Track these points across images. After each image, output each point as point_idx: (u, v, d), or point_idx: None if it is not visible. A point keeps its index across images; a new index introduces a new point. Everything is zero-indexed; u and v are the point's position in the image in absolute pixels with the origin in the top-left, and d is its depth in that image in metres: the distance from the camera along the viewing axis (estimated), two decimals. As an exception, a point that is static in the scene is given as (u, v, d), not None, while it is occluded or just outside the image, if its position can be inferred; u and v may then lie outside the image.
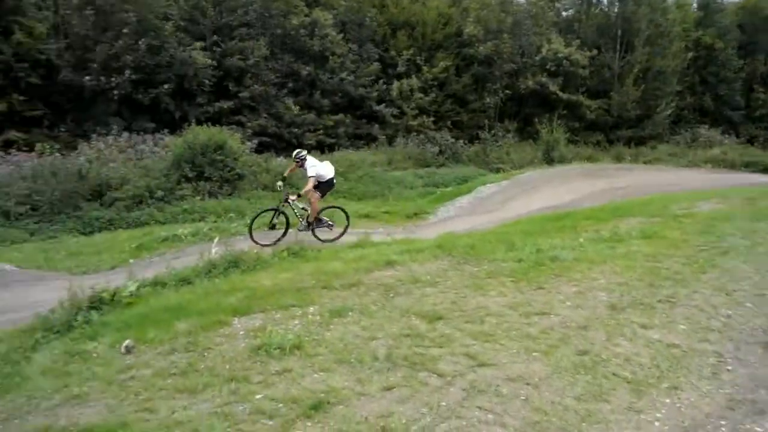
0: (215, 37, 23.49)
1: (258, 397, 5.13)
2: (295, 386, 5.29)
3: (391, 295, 7.66)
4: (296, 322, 6.84)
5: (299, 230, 11.76)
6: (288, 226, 11.76)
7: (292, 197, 11.39)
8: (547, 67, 29.01)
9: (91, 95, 21.02)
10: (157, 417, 4.90)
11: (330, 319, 6.83)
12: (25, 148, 18.25)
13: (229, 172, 17.41)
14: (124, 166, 17.16)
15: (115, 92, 20.70)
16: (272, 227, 11.83)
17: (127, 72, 20.62)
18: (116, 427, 4.70)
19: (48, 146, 17.24)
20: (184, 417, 4.84)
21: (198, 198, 16.40)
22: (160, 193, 16.23)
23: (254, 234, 11.53)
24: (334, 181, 12.21)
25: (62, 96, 21.35)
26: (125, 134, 19.28)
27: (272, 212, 11.89)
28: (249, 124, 22.66)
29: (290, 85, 24.71)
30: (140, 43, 20.91)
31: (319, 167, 11.65)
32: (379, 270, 8.76)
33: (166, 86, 21.26)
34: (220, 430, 4.60)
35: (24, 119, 20.30)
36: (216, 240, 11.14)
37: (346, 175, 20.41)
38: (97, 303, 7.54)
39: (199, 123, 19.75)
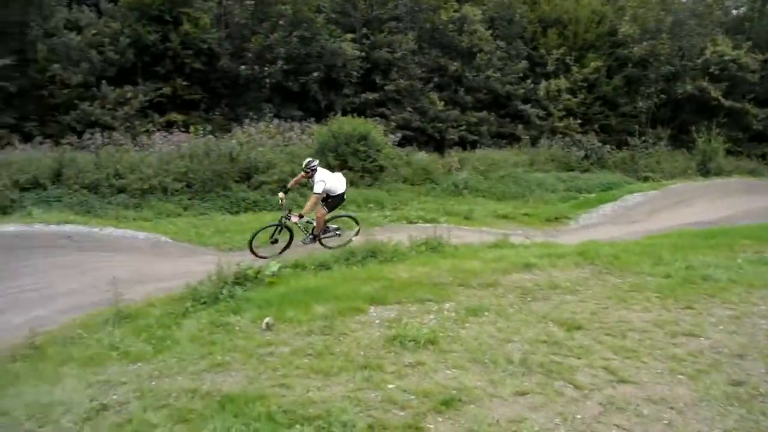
0: (365, 30, 23.87)
1: (390, 386, 5.11)
2: (428, 380, 5.23)
3: (529, 298, 7.45)
4: (431, 316, 6.79)
5: (304, 243, 10.92)
6: (291, 239, 10.99)
7: (294, 218, 10.48)
8: (710, 70, 26.85)
9: (245, 82, 22.09)
10: (292, 394, 4.99)
11: (466, 317, 6.73)
12: (183, 129, 19.54)
13: (371, 162, 17.66)
14: (271, 151, 17.82)
15: (268, 81, 21.61)
16: (274, 242, 10.95)
17: (280, 62, 21.44)
18: (255, 398, 4.84)
19: (202, 128, 18.35)
20: (317, 397, 4.91)
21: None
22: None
23: (255, 248, 10.70)
24: (345, 196, 11.22)
25: (219, 82, 22.63)
26: (275, 121, 20.03)
27: (274, 228, 10.99)
28: (393, 117, 22.83)
29: (436, 79, 24.68)
30: (293, 35, 21.65)
31: (328, 181, 10.68)
32: (517, 272, 8.57)
33: (315, 74, 21.88)
34: (352, 415, 4.60)
35: (184, 102, 21.83)
36: (356, 229, 11.24)
37: (487, 174, 20.18)
38: (241, 279, 7.89)
39: (344, 113, 20.26)
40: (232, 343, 6.20)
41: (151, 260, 10.35)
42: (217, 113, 22.07)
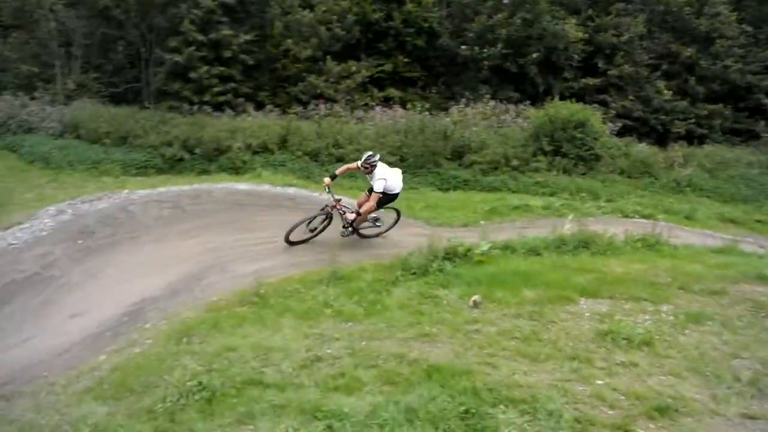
0: (590, 11, 22.77)
1: (599, 382, 4.99)
2: (640, 382, 5.03)
3: (762, 314, 6.78)
4: (647, 317, 6.48)
5: (343, 235, 9.96)
6: (328, 225, 10.00)
7: (351, 216, 9.49)
8: None
9: (463, 61, 22.14)
10: (498, 374, 5.04)
11: (685, 323, 6.32)
12: (400, 105, 20.15)
13: (586, 151, 16.87)
14: (485, 131, 17.75)
15: (486, 62, 21.47)
16: (312, 230, 9.91)
17: (499, 45, 21.14)
18: (461, 372, 4.96)
19: (419, 105, 18.77)
20: (523, 381, 4.92)
21: (552, 173, 16.27)
22: (515, 162, 16.44)
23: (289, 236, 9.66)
24: (399, 195, 9.98)
25: (438, 60, 22.98)
26: (491, 102, 19.86)
27: (315, 216, 9.91)
28: (613, 104, 21.52)
29: (664, 67, 22.79)
30: (516, 17, 21.23)
31: (389, 179, 9.49)
32: (747, 283, 7.86)
33: (534, 56, 21.35)
34: (558, 405, 4.56)
35: (403, 79, 22.51)
36: (570, 217, 10.82)
37: (715, 172, 18.38)
38: (451, 255, 8.05)
39: (562, 98, 19.53)
40: (439, 316, 6.38)
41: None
42: (434, 91, 22.45)
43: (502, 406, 4.53)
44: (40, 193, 12.41)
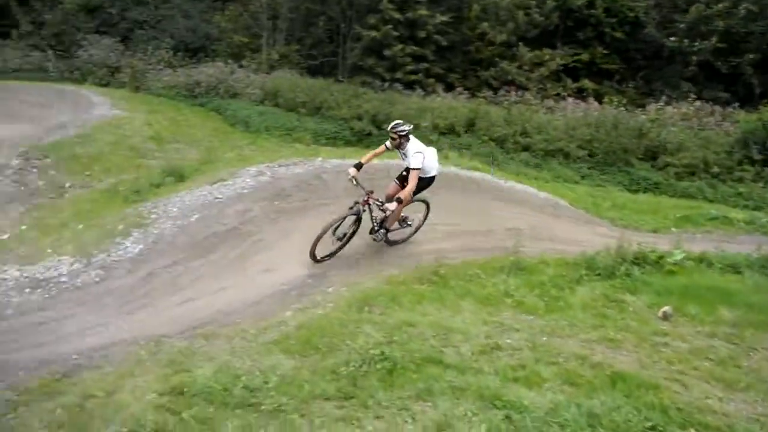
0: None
1: None
2: None
3: None
4: None
5: (376, 240, 8.18)
6: (356, 231, 8.03)
7: (390, 205, 7.46)
8: None
9: (668, 56, 20.79)
10: (689, 395, 4.73)
11: None
12: (593, 98, 19.32)
13: (808, 164, 15.15)
14: (683, 133, 16.59)
15: (695, 57, 19.90)
16: (340, 238, 7.93)
17: (714, 39, 19.47)
18: (648, 385, 4.74)
19: (615, 99, 17.89)
20: (717, 407, 4.61)
21: (759, 184, 14.78)
22: (715, 169, 15.25)
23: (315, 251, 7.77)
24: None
25: (639, 53, 21.80)
26: (696, 102, 18.40)
27: (343, 219, 7.81)
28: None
29: None
30: (739, 8, 19.36)
31: (427, 156, 7.64)
32: None
33: (751, 56, 19.42)
34: None
35: (599, 71, 21.61)
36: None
37: None
38: (640, 260, 7.58)
39: (789, 100, 17.56)
40: (624, 322, 6.10)
41: (547, 220, 10.53)
42: (631, 86, 21.31)
43: (692, 430, 4.22)
44: (240, 154, 13.34)
